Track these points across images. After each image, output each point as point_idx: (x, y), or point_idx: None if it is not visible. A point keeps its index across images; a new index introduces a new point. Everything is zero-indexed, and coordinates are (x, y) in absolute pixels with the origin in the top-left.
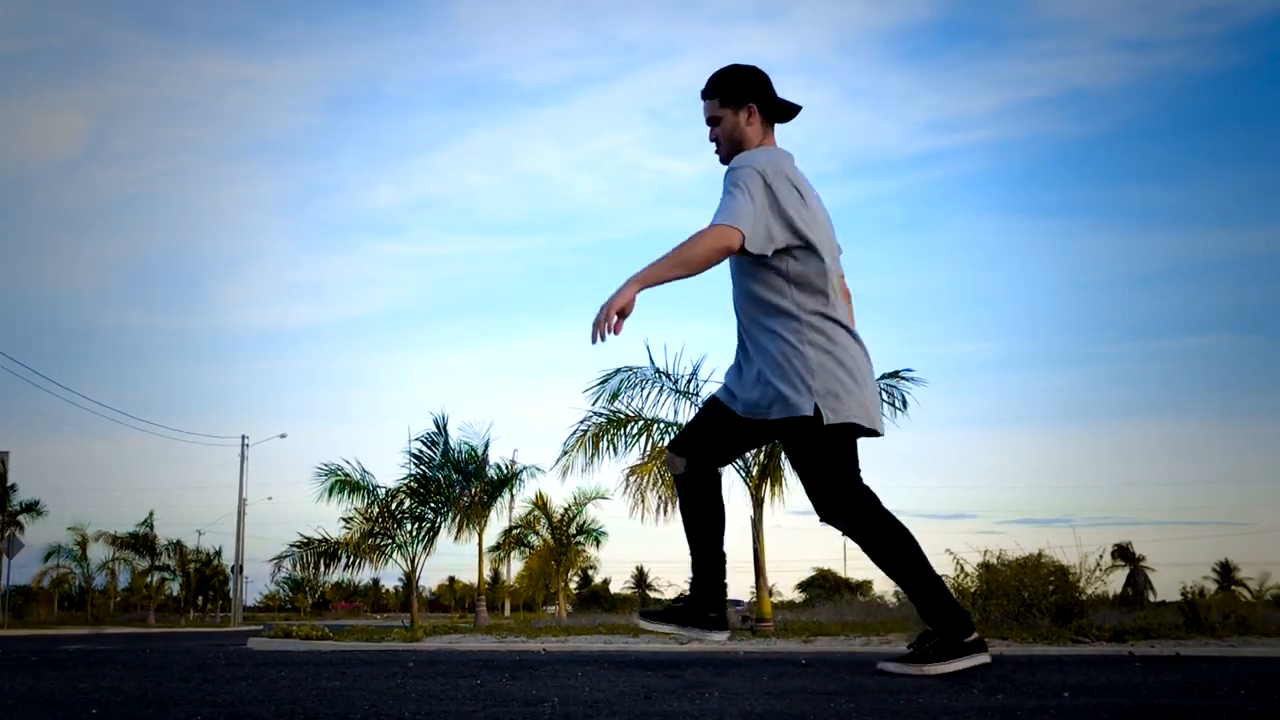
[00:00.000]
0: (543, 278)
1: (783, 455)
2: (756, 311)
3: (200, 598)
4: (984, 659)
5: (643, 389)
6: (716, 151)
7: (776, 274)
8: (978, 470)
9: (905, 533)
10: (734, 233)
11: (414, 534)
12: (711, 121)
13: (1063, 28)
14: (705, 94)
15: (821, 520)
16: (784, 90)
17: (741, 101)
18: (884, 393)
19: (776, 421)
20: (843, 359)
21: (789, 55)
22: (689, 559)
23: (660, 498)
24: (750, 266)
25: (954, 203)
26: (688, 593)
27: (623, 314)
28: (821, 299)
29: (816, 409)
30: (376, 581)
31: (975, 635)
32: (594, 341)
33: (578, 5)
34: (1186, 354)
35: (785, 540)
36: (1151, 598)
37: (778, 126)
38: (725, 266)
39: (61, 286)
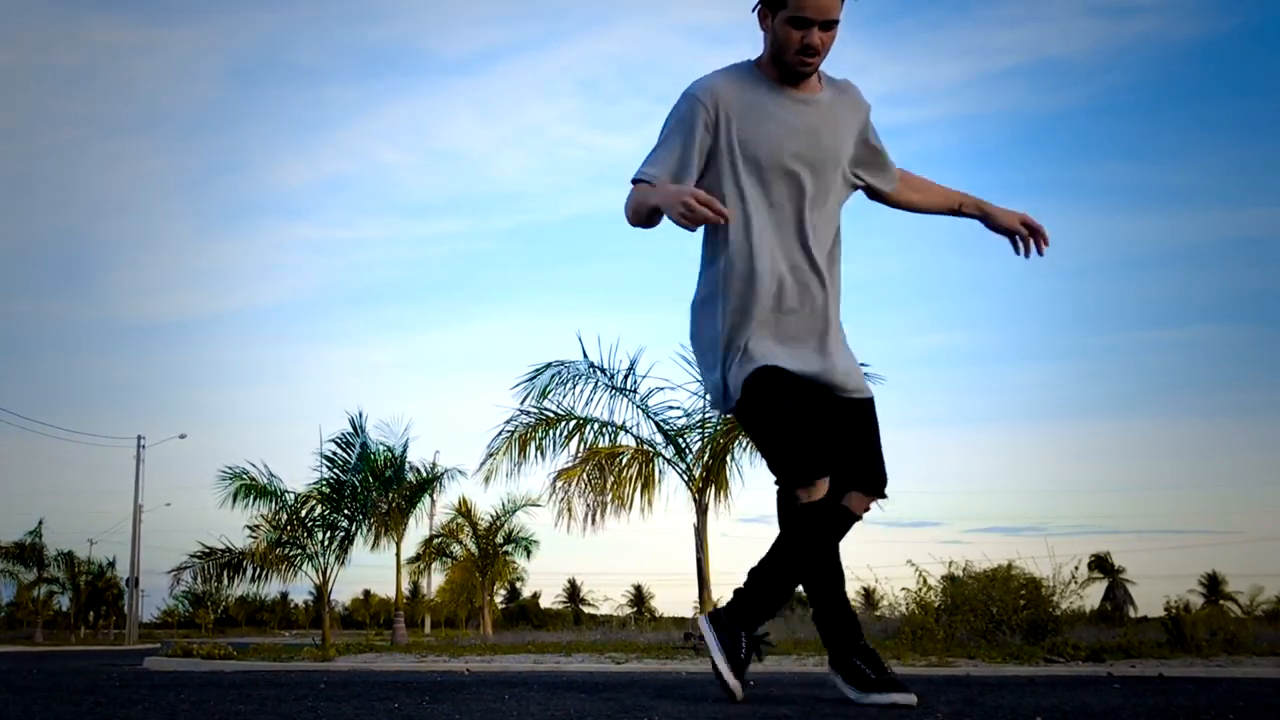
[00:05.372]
0: (465, 263)
1: (729, 457)
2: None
3: (92, 613)
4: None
5: (575, 385)
6: (805, 64)
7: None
8: (942, 474)
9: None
10: None
11: (326, 543)
12: (829, 25)
13: None
14: None
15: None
16: (729, 59)
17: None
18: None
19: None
20: None
21: (731, 22)
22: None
23: (588, 505)
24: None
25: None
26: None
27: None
28: None
29: None
30: (285, 595)
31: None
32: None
33: None
34: (1172, 346)
35: (731, 550)
36: (1132, 613)
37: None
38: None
39: None
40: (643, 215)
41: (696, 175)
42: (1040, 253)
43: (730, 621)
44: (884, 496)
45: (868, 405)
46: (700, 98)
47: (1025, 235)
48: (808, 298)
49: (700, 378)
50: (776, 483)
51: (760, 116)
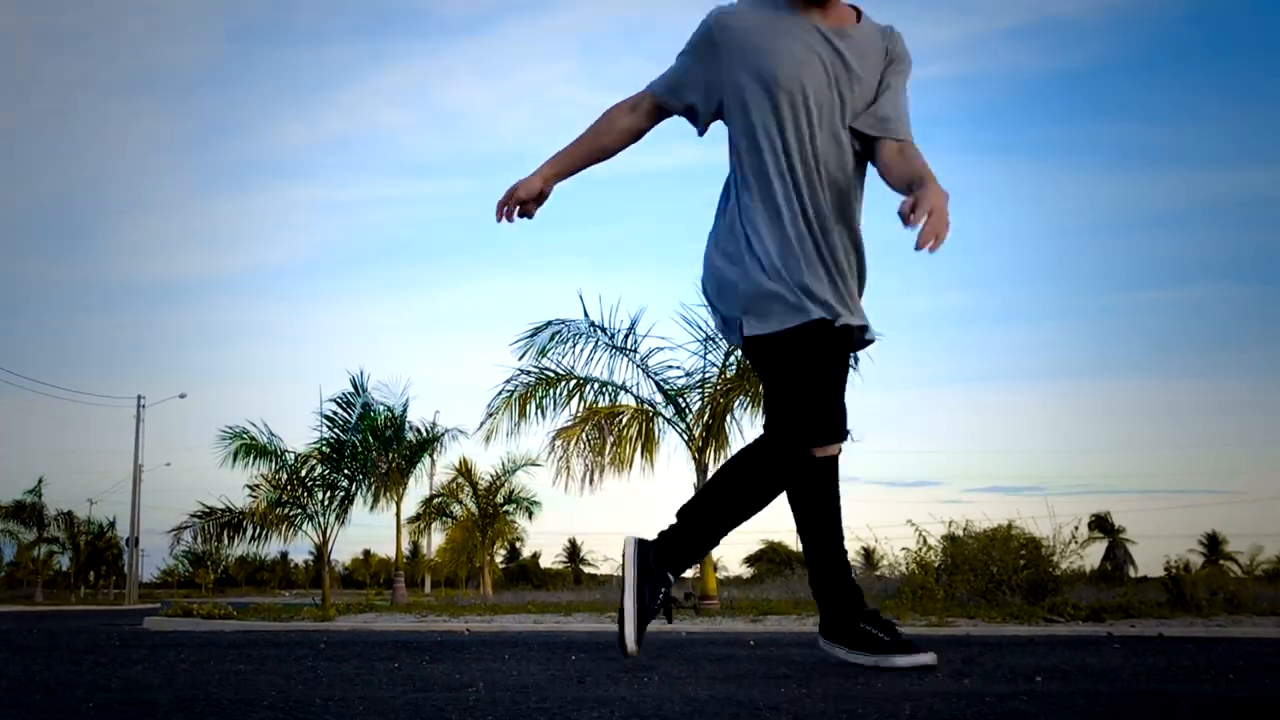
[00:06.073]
0: (465, 224)
1: (729, 416)
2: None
3: (92, 573)
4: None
5: (575, 344)
6: None
7: None
8: (942, 433)
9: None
10: None
11: (326, 503)
12: None
13: None
14: None
15: None
16: None
17: None
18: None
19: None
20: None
21: None
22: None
23: (586, 465)
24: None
25: (917, 142)
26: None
27: (523, 199)
28: None
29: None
30: (285, 555)
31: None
32: (498, 219)
33: None
34: (1172, 306)
35: None
36: (1132, 573)
37: None
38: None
39: None
40: None
41: (695, 95)
42: (924, 248)
43: (657, 566)
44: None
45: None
46: (712, 22)
47: (929, 229)
48: (826, 231)
49: (716, 306)
50: (787, 432)
51: (776, 38)
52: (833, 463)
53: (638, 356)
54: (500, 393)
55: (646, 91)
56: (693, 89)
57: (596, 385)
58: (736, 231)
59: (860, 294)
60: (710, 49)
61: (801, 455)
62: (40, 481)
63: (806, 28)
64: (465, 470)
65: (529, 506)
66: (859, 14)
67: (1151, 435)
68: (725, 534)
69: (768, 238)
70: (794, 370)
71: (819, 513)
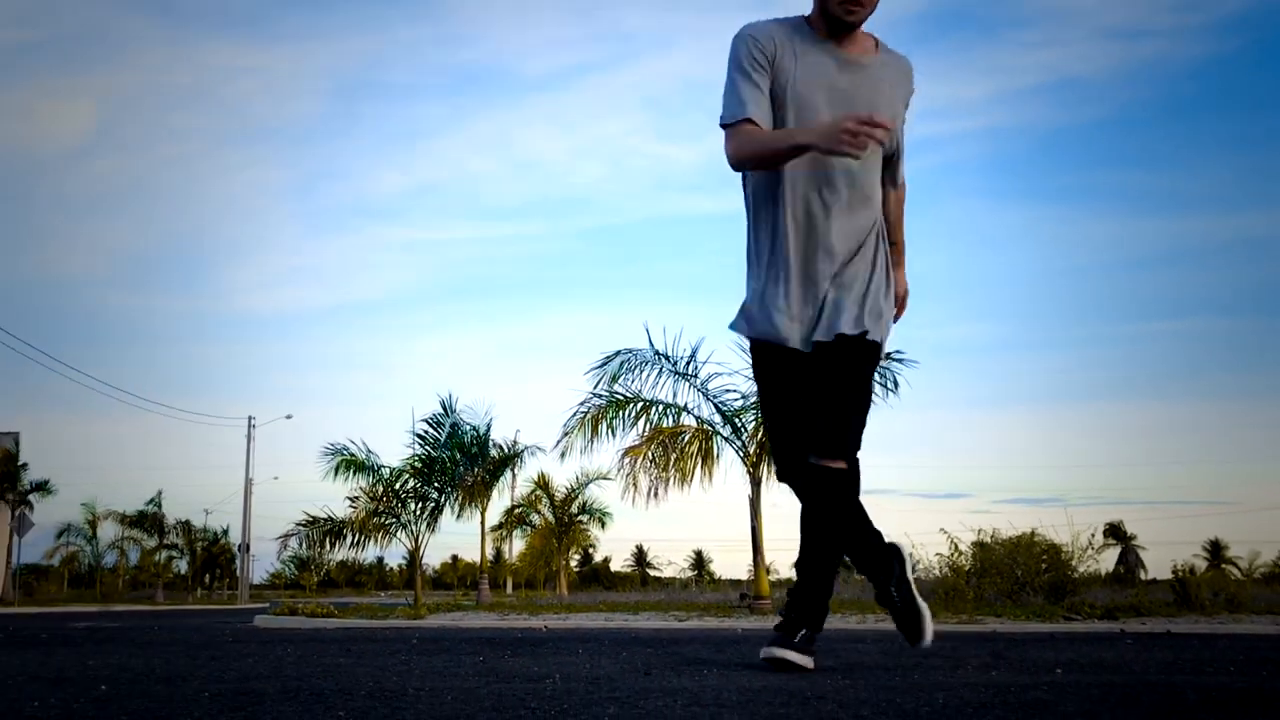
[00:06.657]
0: (543, 262)
1: None
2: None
3: (207, 576)
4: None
5: (642, 371)
6: (851, 12)
7: None
8: (972, 451)
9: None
10: None
11: (418, 513)
12: None
13: (1053, 17)
14: None
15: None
16: None
17: None
18: (875, 373)
19: None
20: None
21: None
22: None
23: (652, 480)
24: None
25: (948, 189)
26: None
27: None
28: None
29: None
30: (381, 560)
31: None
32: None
33: None
34: (1176, 336)
35: (783, 518)
36: (1143, 576)
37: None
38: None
39: (72, 270)
40: (775, 156)
41: (766, 107)
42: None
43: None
44: (836, 458)
45: (848, 347)
46: (759, 38)
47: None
48: (827, 250)
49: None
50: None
51: (803, 71)
52: (817, 482)
53: (698, 381)
54: (575, 414)
55: (743, 120)
56: (763, 102)
57: (661, 407)
58: (750, 255)
59: (883, 312)
60: (762, 64)
61: (789, 483)
62: (159, 493)
63: (824, 55)
64: (543, 484)
65: (601, 517)
66: (877, 44)
67: (1160, 452)
68: (844, 548)
69: (762, 260)
70: (760, 398)
71: (809, 529)
